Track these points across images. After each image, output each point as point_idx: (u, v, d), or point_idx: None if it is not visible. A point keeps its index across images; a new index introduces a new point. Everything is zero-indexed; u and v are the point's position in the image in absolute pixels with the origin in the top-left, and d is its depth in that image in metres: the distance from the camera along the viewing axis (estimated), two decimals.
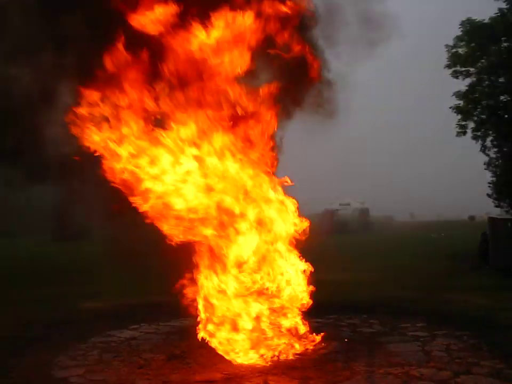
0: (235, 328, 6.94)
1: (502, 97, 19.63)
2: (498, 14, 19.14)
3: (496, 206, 21.96)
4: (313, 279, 13.11)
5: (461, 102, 19.57)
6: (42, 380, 5.98)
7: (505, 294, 11.39)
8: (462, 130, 19.77)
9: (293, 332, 7.20)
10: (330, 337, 7.74)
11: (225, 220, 7.01)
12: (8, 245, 25.14)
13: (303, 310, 7.46)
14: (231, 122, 7.21)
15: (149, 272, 16.24)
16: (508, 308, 9.82)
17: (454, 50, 20.35)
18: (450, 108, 19.71)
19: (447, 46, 20.38)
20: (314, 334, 7.55)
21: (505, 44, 19.41)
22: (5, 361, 6.78)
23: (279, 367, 6.25)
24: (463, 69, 20.33)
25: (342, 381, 5.63)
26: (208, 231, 7.02)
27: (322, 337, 7.37)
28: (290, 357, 6.64)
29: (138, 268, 16.95)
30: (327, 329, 8.37)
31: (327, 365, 6.30)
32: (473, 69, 20.17)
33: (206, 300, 7.22)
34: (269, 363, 6.42)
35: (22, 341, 8.01)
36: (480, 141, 19.80)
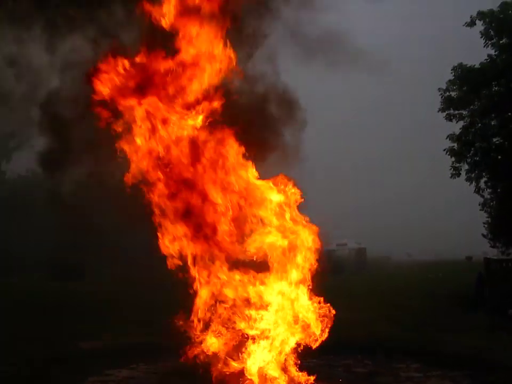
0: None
1: (494, 139, 20.02)
2: (488, 60, 19.75)
3: (491, 246, 22.14)
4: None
5: (455, 145, 19.96)
6: None
7: (499, 335, 11.50)
8: (456, 172, 20.08)
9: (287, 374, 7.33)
10: (325, 377, 7.88)
11: None
12: (6, 284, 25.18)
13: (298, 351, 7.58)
14: None
15: (147, 310, 16.35)
16: (501, 349, 9.94)
17: (447, 94, 20.85)
18: (444, 150, 20.10)
19: (440, 89, 20.89)
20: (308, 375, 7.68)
21: (496, 88, 19.92)
22: None
23: None
24: (456, 111, 20.78)
25: None
26: None
27: (316, 378, 7.49)
28: None
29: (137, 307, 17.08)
30: (321, 370, 8.51)
31: None
32: (466, 111, 20.62)
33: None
34: None
35: (22, 379, 8.11)
36: (474, 183, 20.11)
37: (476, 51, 20.58)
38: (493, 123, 20.18)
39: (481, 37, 19.67)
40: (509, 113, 19.77)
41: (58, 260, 29.99)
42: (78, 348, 10.78)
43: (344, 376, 8.01)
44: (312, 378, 7.48)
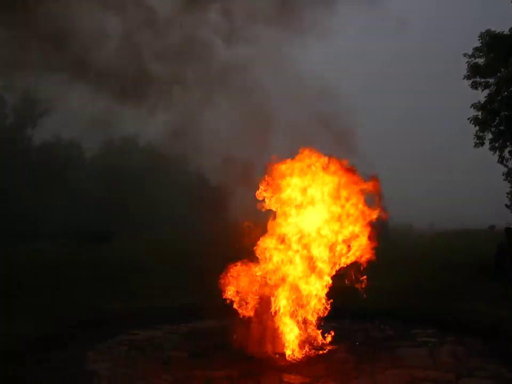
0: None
1: None
2: None
3: None
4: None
5: (479, 113, 19.72)
6: (76, 372, 6.49)
7: None
8: (480, 141, 19.87)
9: (308, 334, 7.68)
10: (343, 340, 8.19)
11: None
12: (34, 250, 25.93)
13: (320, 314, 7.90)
14: None
15: (172, 276, 16.81)
16: None
17: (473, 60, 20.52)
18: (468, 119, 19.88)
19: (465, 54, 20.56)
20: (328, 336, 8.04)
21: None
22: (41, 355, 7.31)
23: (292, 366, 6.70)
24: (482, 79, 20.46)
25: (350, 380, 6.03)
26: None
27: (335, 340, 7.82)
28: (304, 356, 7.09)
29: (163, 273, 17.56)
30: (341, 333, 8.81)
31: (337, 365, 6.73)
32: (492, 79, 20.29)
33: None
34: (284, 361, 6.88)
35: (54, 338, 8.56)
36: (498, 152, 19.93)
37: (505, 17, 20.13)
38: None
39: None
40: None
41: (86, 225, 30.62)
42: (105, 310, 11.24)
43: (361, 340, 8.27)
44: (329, 338, 7.82)
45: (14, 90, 44.82)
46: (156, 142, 57.05)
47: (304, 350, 7.38)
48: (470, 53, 20.39)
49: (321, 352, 7.38)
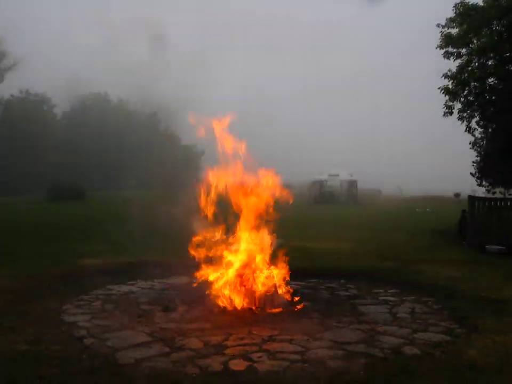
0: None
1: (489, 80, 20.24)
2: None
3: (478, 185, 22.80)
4: (298, 246, 14.04)
5: (449, 83, 20.16)
6: (55, 323, 6.79)
7: (475, 268, 12.26)
8: (449, 111, 20.36)
9: (276, 290, 8.12)
10: (310, 297, 8.66)
11: None
12: (7, 204, 25.82)
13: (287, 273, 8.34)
14: None
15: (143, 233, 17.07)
16: (475, 279, 10.74)
17: (446, 30, 20.83)
18: (438, 88, 20.28)
19: (438, 25, 20.85)
20: (295, 294, 8.52)
21: (497, 28, 19.92)
22: (17, 307, 7.59)
23: (261, 320, 7.13)
24: (455, 50, 20.83)
25: (316, 333, 6.48)
26: None
27: (303, 297, 8.30)
28: (272, 312, 7.54)
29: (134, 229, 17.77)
30: (307, 291, 9.30)
31: (304, 319, 7.18)
32: (464, 50, 20.67)
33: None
34: (254, 316, 7.30)
35: (31, 291, 8.83)
36: (465, 122, 20.49)
37: None
38: (489, 63, 20.31)
39: None
40: (507, 54, 19.86)
41: (57, 181, 30.42)
42: (81, 265, 11.53)
43: (328, 297, 8.75)
44: (296, 296, 8.30)
45: None
46: (127, 100, 56.81)
47: (272, 306, 7.83)
48: (444, 23, 20.72)
49: (289, 308, 7.81)
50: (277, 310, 7.69)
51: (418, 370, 5.19)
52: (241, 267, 8.30)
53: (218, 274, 8.35)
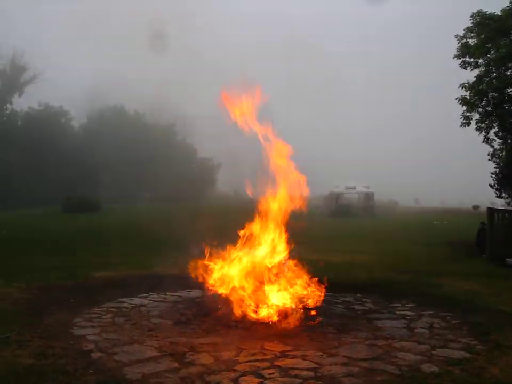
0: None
1: (508, 90, 19.96)
2: (509, 7, 19.43)
3: (497, 197, 22.42)
4: (312, 259, 13.82)
5: (467, 93, 19.91)
6: (64, 336, 6.67)
7: (494, 281, 11.96)
8: (467, 121, 20.10)
9: (290, 305, 7.93)
10: (324, 311, 8.45)
11: None
12: (22, 215, 25.96)
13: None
14: None
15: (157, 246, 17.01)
16: (494, 294, 10.44)
17: (464, 41, 20.63)
18: (456, 98, 20.05)
19: (457, 36, 20.68)
20: (310, 308, 8.33)
21: None
22: (26, 320, 7.48)
23: (274, 335, 6.93)
24: (472, 59, 20.61)
25: (330, 349, 6.27)
26: None
27: (317, 312, 8.09)
28: (286, 326, 7.34)
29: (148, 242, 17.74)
30: (322, 305, 9.08)
31: (318, 335, 6.97)
32: (481, 60, 20.45)
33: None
34: (266, 331, 7.11)
35: (42, 303, 8.74)
36: (483, 133, 20.20)
37: None
38: (508, 73, 20.04)
39: None
40: None
41: (73, 193, 30.56)
42: (94, 277, 11.44)
43: (343, 312, 8.53)
44: (312, 311, 8.10)
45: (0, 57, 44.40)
46: (143, 111, 57.15)
47: (286, 321, 7.63)
48: (462, 34, 20.52)
49: (303, 323, 7.61)
50: (291, 324, 7.49)
51: None
52: (255, 280, 8.13)
53: (231, 287, 8.19)
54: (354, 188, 42.53)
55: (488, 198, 34.00)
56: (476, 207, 45.47)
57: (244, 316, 7.65)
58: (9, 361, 5.42)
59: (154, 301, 9.36)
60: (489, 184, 22.01)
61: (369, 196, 43.61)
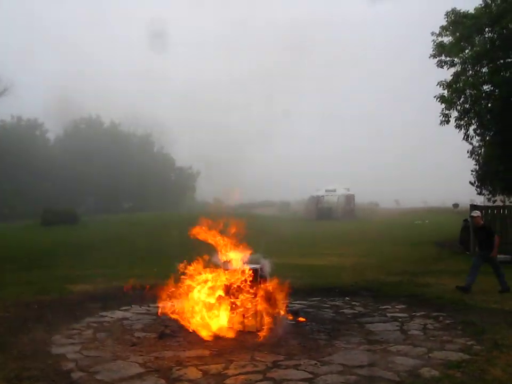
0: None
1: (485, 87, 19.98)
2: (482, 5, 19.48)
3: (478, 194, 22.44)
4: (298, 263, 13.59)
5: (445, 91, 19.87)
6: (41, 356, 6.27)
7: (481, 278, 11.78)
8: (445, 119, 20.05)
9: (278, 311, 7.63)
10: (314, 317, 8.19)
11: None
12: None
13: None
14: None
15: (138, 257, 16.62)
16: (483, 291, 10.30)
17: (439, 40, 20.63)
18: (434, 97, 19.98)
19: (432, 33, 20.66)
20: (298, 314, 8.09)
21: (489, 35, 19.72)
22: (3, 338, 7.06)
23: (264, 345, 6.62)
24: (448, 58, 20.61)
25: (324, 357, 5.98)
26: None
27: (307, 317, 7.83)
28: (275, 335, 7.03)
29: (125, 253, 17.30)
30: (311, 310, 8.81)
31: (310, 342, 6.68)
32: (457, 58, 20.45)
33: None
34: (255, 340, 6.79)
35: (17, 321, 8.30)
36: (463, 130, 20.17)
37: None
38: (484, 70, 20.07)
39: None
40: (501, 61, 19.64)
41: (50, 206, 29.93)
42: (72, 291, 11.01)
43: (333, 316, 8.26)
44: (300, 317, 7.86)
45: None
46: (119, 122, 56.50)
47: (274, 329, 7.33)
48: (437, 32, 20.51)
49: (293, 329, 7.33)
50: (280, 332, 7.19)
51: None
52: (238, 289, 7.81)
53: (215, 297, 7.85)
54: (335, 190, 42.44)
55: (468, 196, 34.21)
56: (456, 205, 45.71)
57: (229, 326, 7.33)
58: None
59: (138, 313, 9.00)
60: (470, 182, 22.00)
61: (349, 198, 43.56)
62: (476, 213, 11.67)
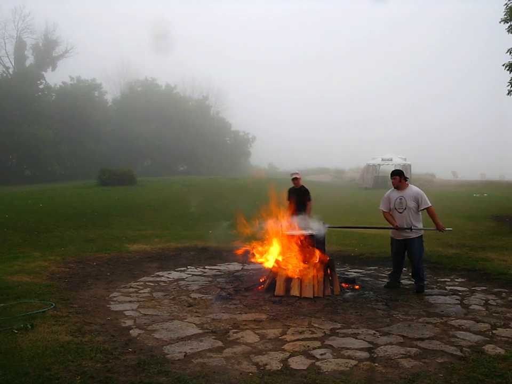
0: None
1: None
2: None
3: None
4: (354, 232, 13.38)
5: None
6: (101, 311, 6.42)
7: None
8: None
9: (336, 280, 7.56)
10: (371, 286, 8.05)
11: None
12: (57, 189, 26.05)
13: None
14: None
15: (193, 219, 16.79)
16: None
17: (511, 3, 19.48)
18: (503, 65, 18.96)
19: None
20: (355, 282, 8.01)
21: None
22: (66, 293, 7.27)
23: (320, 310, 6.55)
24: None
25: (382, 327, 5.85)
26: None
27: (363, 286, 7.72)
28: (332, 302, 6.96)
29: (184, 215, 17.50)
30: (368, 279, 8.68)
31: (368, 311, 6.55)
32: None
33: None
34: (311, 307, 6.73)
35: (78, 277, 8.54)
36: None
37: None
38: None
39: None
40: None
41: (107, 166, 30.50)
42: (130, 251, 11.23)
43: (391, 288, 8.10)
44: (356, 287, 7.77)
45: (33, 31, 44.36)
46: (174, 85, 56.77)
47: (331, 295, 7.27)
48: None
49: (349, 298, 7.23)
50: (337, 300, 7.10)
51: (510, 375, 4.44)
52: (296, 254, 7.75)
53: (273, 261, 7.83)
54: (391, 159, 41.42)
55: None
56: None
57: (287, 290, 7.30)
58: (46, 337, 5.16)
59: (193, 274, 9.09)
60: None
61: (406, 168, 42.55)
62: None
